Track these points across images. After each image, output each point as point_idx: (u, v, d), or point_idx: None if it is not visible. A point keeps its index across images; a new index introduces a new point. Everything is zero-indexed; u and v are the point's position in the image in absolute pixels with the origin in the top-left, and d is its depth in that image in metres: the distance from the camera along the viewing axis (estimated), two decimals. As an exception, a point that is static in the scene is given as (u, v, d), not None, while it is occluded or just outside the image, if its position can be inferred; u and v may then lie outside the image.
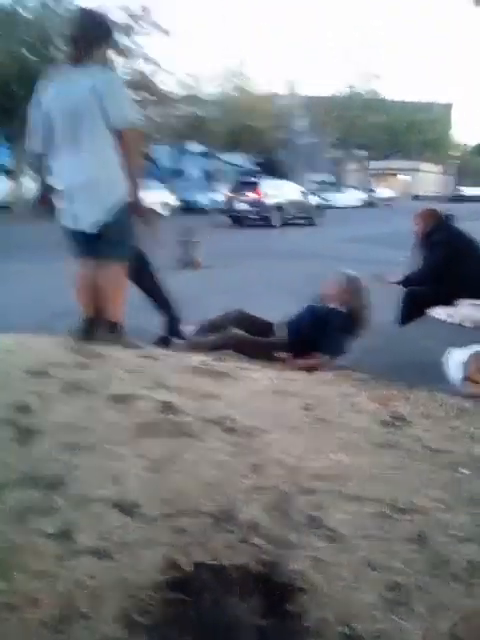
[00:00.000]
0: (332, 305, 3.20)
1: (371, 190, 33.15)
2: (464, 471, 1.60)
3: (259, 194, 16.45)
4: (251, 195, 16.46)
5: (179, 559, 1.16)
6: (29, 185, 18.41)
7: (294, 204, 17.58)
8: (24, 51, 17.02)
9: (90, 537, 1.21)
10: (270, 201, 16.51)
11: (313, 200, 19.63)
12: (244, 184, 17.39)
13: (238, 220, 16.83)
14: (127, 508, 1.30)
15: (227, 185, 20.86)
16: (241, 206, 16.57)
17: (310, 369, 2.74)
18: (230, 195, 17.17)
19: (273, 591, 1.12)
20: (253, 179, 18.43)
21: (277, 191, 17.12)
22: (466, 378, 2.32)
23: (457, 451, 1.72)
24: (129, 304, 2.75)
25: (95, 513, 1.28)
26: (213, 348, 2.94)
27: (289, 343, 3.12)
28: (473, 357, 2.37)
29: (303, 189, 19.51)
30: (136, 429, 1.67)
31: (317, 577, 1.14)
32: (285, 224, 16.86)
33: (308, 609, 1.06)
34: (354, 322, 3.14)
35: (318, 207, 19.52)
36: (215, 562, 1.17)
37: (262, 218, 16.65)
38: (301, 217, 18.15)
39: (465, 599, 1.10)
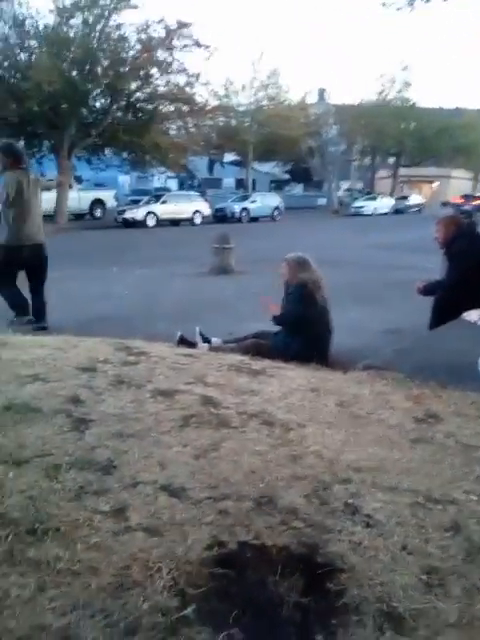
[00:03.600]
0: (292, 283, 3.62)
1: (403, 197, 32.83)
2: (497, 466, 1.63)
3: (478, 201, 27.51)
4: (476, 202, 26.66)
5: (224, 538, 1.24)
6: (73, 196, 19.16)
7: None
8: (68, 68, 17.46)
9: (141, 516, 1.29)
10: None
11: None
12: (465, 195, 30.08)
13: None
14: (175, 491, 1.39)
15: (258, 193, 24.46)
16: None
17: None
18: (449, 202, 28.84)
19: (313, 571, 1.18)
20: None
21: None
22: None
23: (490, 447, 1.74)
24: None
25: (145, 494, 1.37)
26: (235, 352, 3.16)
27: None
28: None
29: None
30: (180, 420, 1.76)
31: (355, 559, 1.20)
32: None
33: (348, 588, 1.12)
34: (310, 289, 3.48)
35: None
36: (257, 542, 1.24)
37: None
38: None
39: (499, 584, 1.14)
